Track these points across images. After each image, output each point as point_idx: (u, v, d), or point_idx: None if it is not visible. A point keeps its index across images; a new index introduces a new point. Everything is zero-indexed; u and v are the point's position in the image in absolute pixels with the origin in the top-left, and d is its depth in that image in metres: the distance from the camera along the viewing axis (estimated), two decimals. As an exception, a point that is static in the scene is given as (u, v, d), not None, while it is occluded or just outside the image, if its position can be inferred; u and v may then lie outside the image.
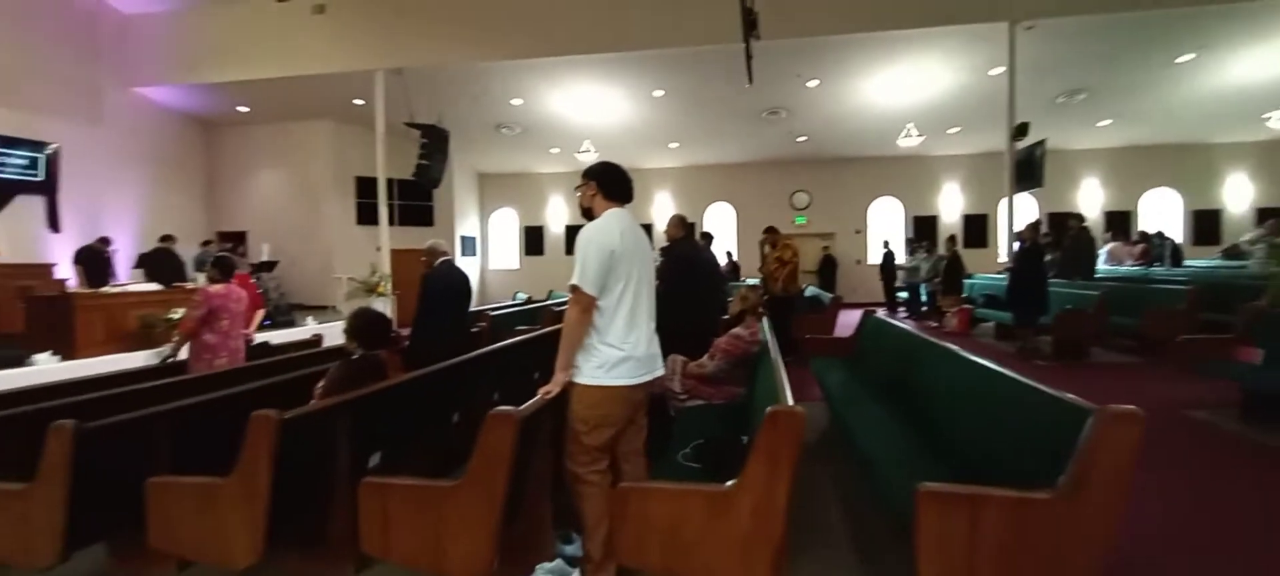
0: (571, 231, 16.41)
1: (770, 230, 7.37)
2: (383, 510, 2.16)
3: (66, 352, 5.89)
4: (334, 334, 6.61)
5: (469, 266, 14.91)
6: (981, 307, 9.21)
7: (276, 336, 6.42)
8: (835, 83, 10.45)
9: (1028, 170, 9.03)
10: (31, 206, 9.58)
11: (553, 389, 2.27)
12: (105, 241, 8.84)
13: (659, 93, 10.82)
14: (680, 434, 3.07)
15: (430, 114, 10.01)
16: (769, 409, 1.84)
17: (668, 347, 2.97)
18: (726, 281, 8.20)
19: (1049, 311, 7.01)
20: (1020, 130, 8.71)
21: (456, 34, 9.40)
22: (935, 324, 10.20)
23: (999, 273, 9.91)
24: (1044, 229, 8.06)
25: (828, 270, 14.61)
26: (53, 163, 9.74)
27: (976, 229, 15.09)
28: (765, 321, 4.29)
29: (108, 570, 2.71)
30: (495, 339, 4.92)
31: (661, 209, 16.10)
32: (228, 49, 10.12)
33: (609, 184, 2.37)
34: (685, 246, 4.82)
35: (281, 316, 9.73)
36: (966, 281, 10.20)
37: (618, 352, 2.21)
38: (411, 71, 9.60)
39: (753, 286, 4.50)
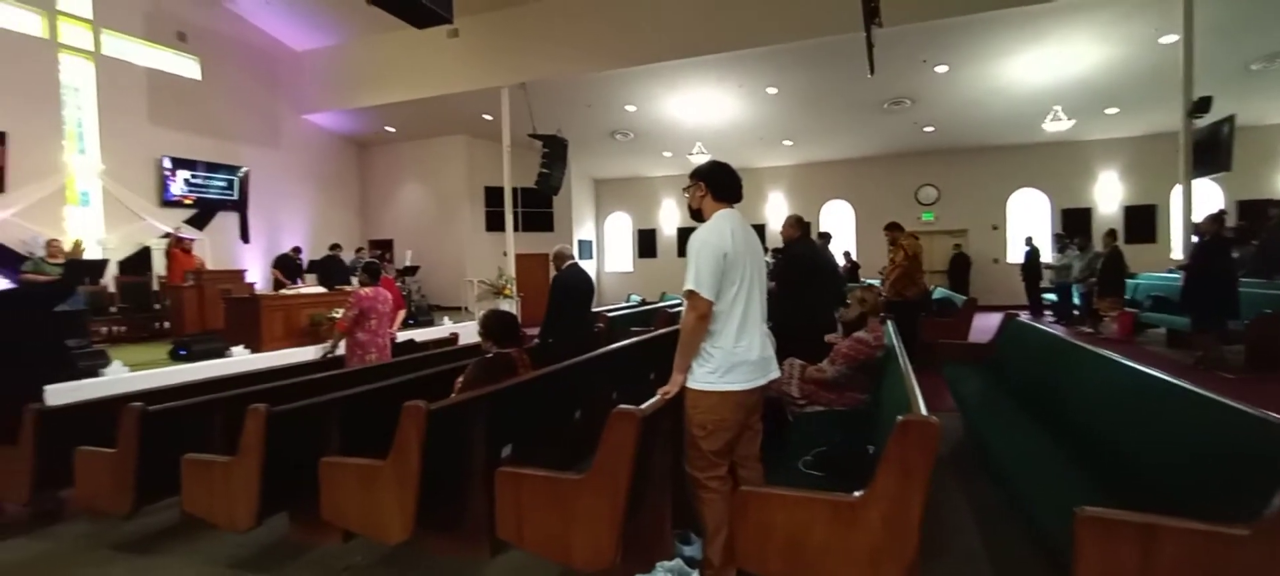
0: (683, 234, 16.50)
1: (892, 226, 6.85)
2: (516, 499, 2.31)
3: (255, 346, 6.89)
4: (468, 333, 7.17)
5: (587, 269, 15.47)
6: (1149, 311, 8.06)
7: (419, 334, 7.07)
8: (968, 66, 9.64)
9: (1210, 152, 7.77)
10: (228, 221, 11.38)
11: (671, 390, 2.29)
12: (297, 250, 10.55)
13: (772, 90, 10.60)
14: (798, 440, 3.00)
15: (551, 125, 10.54)
16: (900, 417, 1.75)
17: (784, 351, 2.92)
18: (845, 282, 7.85)
19: (1239, 315, 5.99)
20: (1200, 105, 7.48)
21: (575, 46, 9.82)
22: (1090, 329, 9.07)
23: (1172, 271, 8.62)
24: (1232, 220, 6.88)
25: (960, 270, 13.48)
26: (244, 183, 11.50)
27: (1141, 222, 13.18)
28: (890, 325, 4.07)
29: (288, 536, 3.13)
30: (611, 340, 5.08)
31: (775, 209, 15.72)
32: (378, 76, 11.34)
33: (718, 184, 2.35)
34: (801, 247, 4.69)
35: (422, 316, 10.68)
36: (1129, 282, 8.96)
37: (732, 357, 2.19)
38: (534, 85, 10.16)
39: (870, 286, 4.27)
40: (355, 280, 6.29)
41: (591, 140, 13.14)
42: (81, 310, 6.60)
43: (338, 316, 5.37)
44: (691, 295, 2.18)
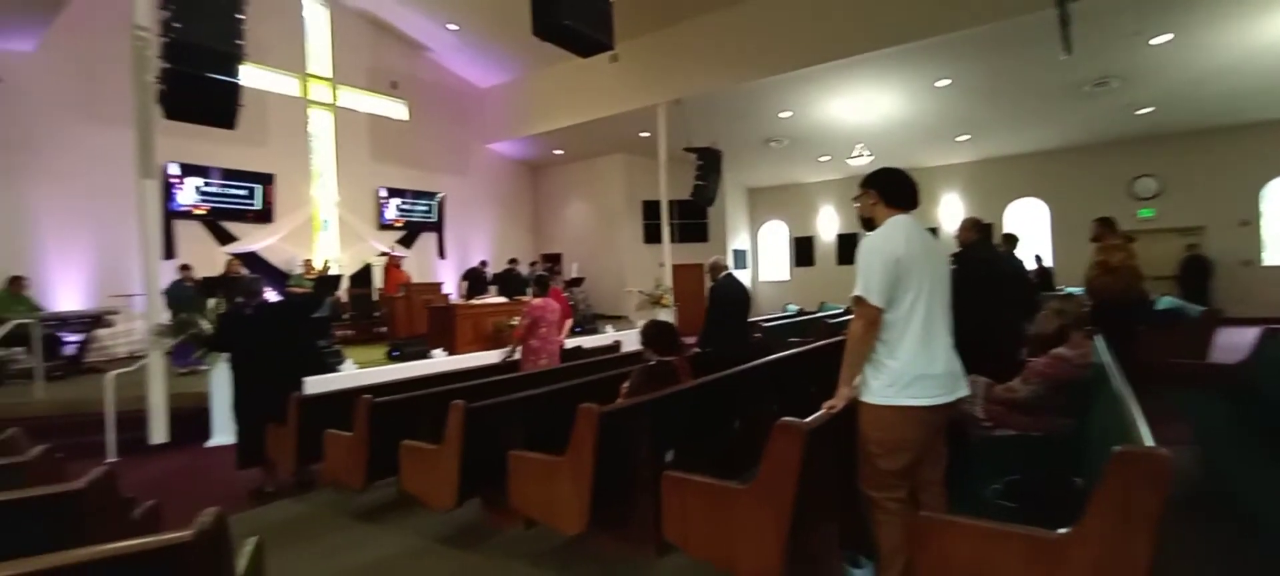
0: (843, 240, 15.72)
1: (1102, 222, 5.86)
2: (682, 503, 2.40)
3: (451, 349, 7.89)
4: (629, 341, 7.51)
5: (741, 279, 15.42)
6: None
7: (585, 342, 7.57)
8: (1200, 33, 8.02)
9: None
10: (428, 240, 13.20)
11: (836, 404, 2.22)
12: (484, 264, 11.97)
13: (943, 82, 9.72)
14: (983, 467, 2.73)
15: (705, 137, 10.70)
16: (1118, 448, 1.55)
17: (964, 368, 2.68)
18: (1035, 290, 6.92)
19: None
20: None
21: (729, 59, 9.88)
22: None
23: None
24: None
25: (1196, 275, 11.18)
26: (441, 207, 13.29)
27: None
28: (1099, 340, 3.54)
29: (481, 519, 3.54)
30: (769, 350, 5.02)
31: (950, 211, 14.36)
32: (548, 104, 12.41)
33: (890, 190, 2.25)
34: (981, 250, 4.27)
35: (587, 325, 11.40)
36: None
37: (911, 370, 2.06)
38: (689, 100, 10.40)
39: (1070, 296, 3.73)
40: (529, 291, 6.93)
41: (745, 149, 13.08)
42: (327, 317, 8.10)
43: (515, 324, 5.95)
44: (859, 302, 2.11)
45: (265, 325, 4.39)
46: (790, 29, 9.24)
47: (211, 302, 6.68)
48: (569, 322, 6.94)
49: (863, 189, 2.30)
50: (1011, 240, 6.04)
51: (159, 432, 5.46)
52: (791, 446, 2.07)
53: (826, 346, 4.83)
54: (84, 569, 1.23)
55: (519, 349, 5.59)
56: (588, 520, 2.69)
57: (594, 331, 10.59)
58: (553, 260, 14.23)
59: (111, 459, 5.02)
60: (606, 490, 2.76)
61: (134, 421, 5.37)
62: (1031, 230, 13.31)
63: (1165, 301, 8.05)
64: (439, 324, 8.29)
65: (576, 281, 12.71)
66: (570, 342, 6.73)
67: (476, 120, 13.89)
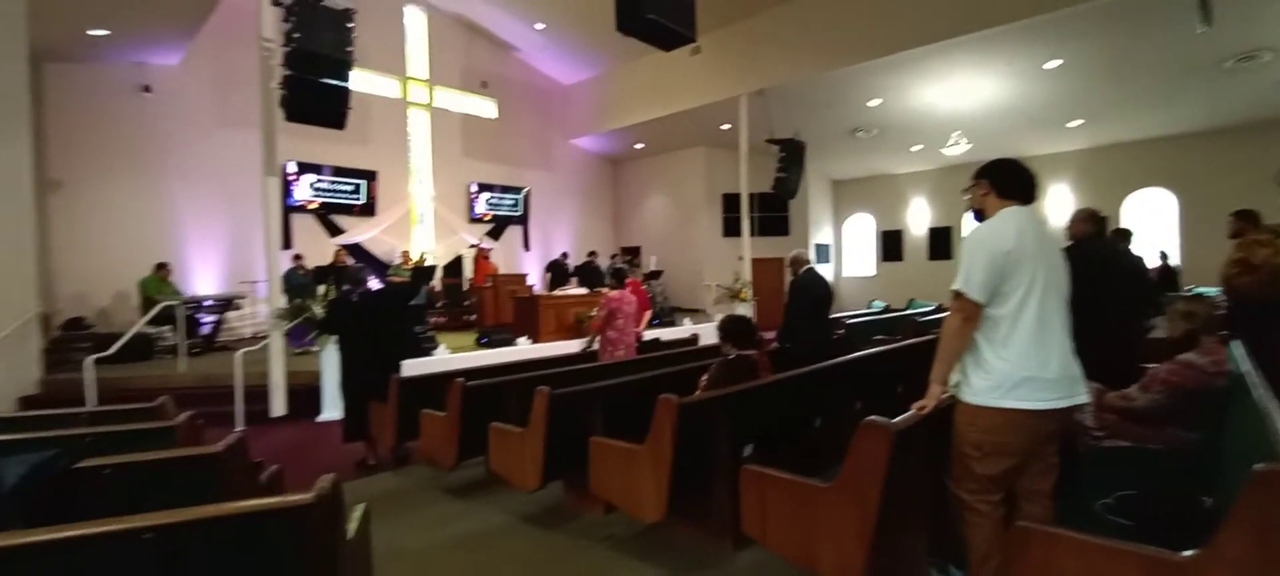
0: (935, 234, 14.88)
1: (1242, 215, 5.22)
2: (761, 497, 2.38)
3: (534, 337, 8.18)
4: (707, 334, 7.50)
5: (823, 274, 14.97)
6: None
7: (663, 334, 7.63)
8: (1381, -5, 6.94)
9: None
10: (514, 233, 13.73)
11: (928, 404, 2.13)
12: (565, 256, 12.42)
13: (1053, 63, 8.95)
14: (1093, 479, 2.52)
15: (788, 128, 10.44)
16: (1260, 466, 1.39)
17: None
18: (1157, 290, 6.26)
19: None
20: None
21: (814, 46, 9.59)
22: None
23: None
24: None
25: (1363, 276, 9.71)
26: (526, 201, 13.80)
27: None
28: (1237, 346, 3.17)
29: (563, 501, 3.67)
30: (852, 348, 4.85)
31: (1059, 204, 13.22)
32: (630, 99, 12.55)
33: (1004, 181, 2.12)
34: (1095, 245, 3.90)
35: (665, 317, 11.45)
36: None
37: (1019, 371, 1.93)
38: (771, 91, 10.18)
39: (1200, 297, 3.34)
40: (608, 283, 7.06)
41: (830, 140, 12.64)
42: (423, 305, 8.64)
43: (593, 315, 6.08)
44: (957, 296, 2.01)
45: (369, 311, 4.73)
46: (882, 12, 8.83)
47: (321, 289, 7.30)
48: (648, 315, 7.01)
49: (975, 180, 2.21)
50: (1125, 235, 5.49)
51: (278, 406, 6.04)
52: (878, 446, 2.01)
53: (915, 345, 4.61)
54: (227, 521, 1.40)
55: (597, 340, 5.71)
56: (666, 508, 2.73)
57: (671, 324, 10.63)
58: (632, 253, 14.38)
59: (240, 427, 5.61)
60: (685, 480, 2.78)
61: (257, 395, 5.97)
62: (1155, 223, 12.05)
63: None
64: (524, 313, 8.61)
65: (655, 274, 12.79)
66: (648, 334, 6.79)
67: (560, 116, 14.26)
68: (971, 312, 1.99)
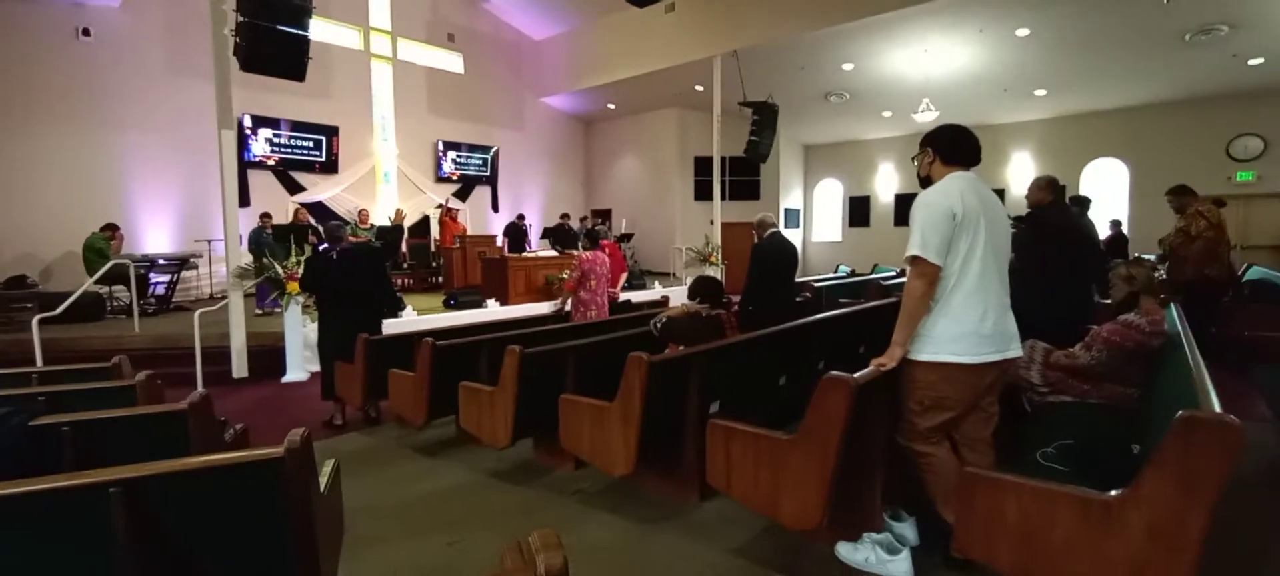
0: (901, 200, 15.15)
1: (1179, 191, 5.53)
2: (726, 450, 2.46)
3: (503, 299, 8.13)
4: (676, 297, 7.56)
5: (792, 238, 15.16)
6: None
7: (634, 297, 7.67)
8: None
9: None
10: (483, 193, 13.45)
11: (887, 362, 2.22)
12: (521, 217, 12.00)
13: (1022, 32, 9.08)
14: (1036, 432, 2.68)
15: (761, 91, 10.40)
16: (1180, 413, 1.50)
17: (1027, 333, 2.61)
18: (1107, 258, 6.53)
19: None
20: None
21: (792, 6, 9.49)
22: None
23: None
24: None
25: (1297, 245, 10.32)
26: (495, 161, 13.50)
27: None
28: (1173, 309, 3.36)
29: (533, 458, 3.73)
30: (818, 311, 4.97)
31: (1021, 171, 13.57)
32: (602, 57, 12.28)
33: (947, 147, 2.20)
34: (1054, 213, 4.04)
35: (635, 281, 11.49)
36: None
37: (956, 326, 2.05)
38: (745, 52, 10.09)
39: (1140, 261, 3.52)
40: (580, 245, 7.05)
41: (803, 104, 12.66)
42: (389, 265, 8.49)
43: (566, 277, 6.07)
44: (916, 261, 2.08)
45: (345, 269, 4.63)
46: (856, -25, 8.78)
47: (293, 258, 7.09)
48: (625, 276, 7.04)
49: (921, 148, 2.28)
50: (1081, 203, 5.70)
51: (240, 367, 5.92)
52: (839, 399, 2.09)
53: (878, 307, 4.75)
54: (196, 475, 1.40)
55: (570, 300, 5.73)
56: (634, 463, 2.80)
57: (643, 286, 10.68)
58: (603, 215, 14.31)
59: (200, 389, 5.49)
60: (653, 435, 2.85)
61: (217, 356, 5.83)
62: (1109, 192, 12.48)
63: (1256, 271, 7.47)
64: (492, 275, 8.54)
65: (626, 237, 12.77)
66: (622, 297, 6.83)
67: (531, 73, 13.90)
68: (932, 275, 2.07)
